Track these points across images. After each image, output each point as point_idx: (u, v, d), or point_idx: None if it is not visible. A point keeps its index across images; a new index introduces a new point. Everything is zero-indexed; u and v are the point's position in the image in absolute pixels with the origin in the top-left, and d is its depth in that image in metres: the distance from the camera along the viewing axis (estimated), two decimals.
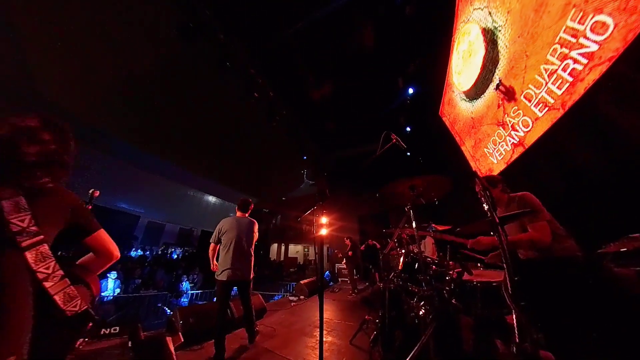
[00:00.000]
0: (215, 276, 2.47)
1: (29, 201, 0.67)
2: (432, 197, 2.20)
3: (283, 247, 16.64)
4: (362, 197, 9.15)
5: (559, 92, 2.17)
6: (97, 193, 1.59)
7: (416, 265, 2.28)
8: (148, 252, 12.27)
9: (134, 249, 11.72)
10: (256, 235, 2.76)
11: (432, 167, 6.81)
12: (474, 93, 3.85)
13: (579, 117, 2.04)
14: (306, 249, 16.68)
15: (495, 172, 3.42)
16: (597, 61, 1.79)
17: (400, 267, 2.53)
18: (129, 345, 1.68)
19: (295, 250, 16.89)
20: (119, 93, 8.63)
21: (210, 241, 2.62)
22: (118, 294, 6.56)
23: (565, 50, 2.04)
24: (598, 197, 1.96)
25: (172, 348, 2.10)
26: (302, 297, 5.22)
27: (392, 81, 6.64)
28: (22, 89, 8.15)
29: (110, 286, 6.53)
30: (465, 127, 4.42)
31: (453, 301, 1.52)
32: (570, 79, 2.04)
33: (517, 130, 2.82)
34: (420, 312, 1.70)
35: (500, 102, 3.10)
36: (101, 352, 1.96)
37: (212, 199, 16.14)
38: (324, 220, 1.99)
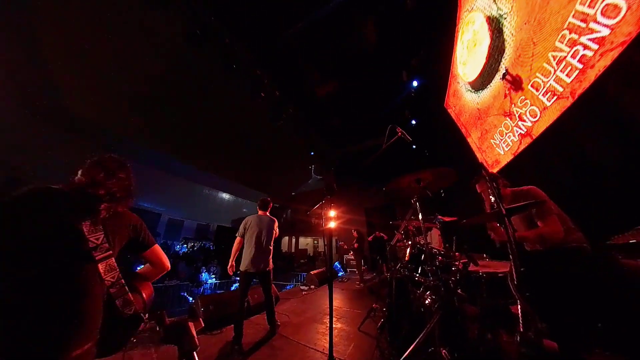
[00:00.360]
0: (239, 267, 2.62)
1: (103, 222, 0.83)
2: (438, 188, 2.16)
3: (294, 240, 16.89)
4: (369, 191, 9.10)
5: (568, 80, 2.04)
6: None
7: (422, 256, 2.27)
8: (171, 245, 12.80)
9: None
10: (276, 232, 2.90)
11: (438, 159, 6.63)
12: (479, 83, 3.68)
13: (589, 105, 1.92)
14: (316, 241, 16.85)
15: (502, 163, 3.29)
16: (609, 46, 1.67)
17: (407, 258, 2.53)
18: (157, 329, 1.80)
19: (305, 242, 17.11)
20: (137, 103, 8.98)
21: (237, 235, 2.76)
22: None
23: (575, 36, 1.90)
24: (607, 188, 1.85)
25: (194, 332, 2.22)
26: (312, 286, 5.33)
27: (396, 75, 6.45)
28: (49, 103, 8.57)
29: None
30: (471, 119, 4.25)
31: (459, 291, 1.52)
32: (580, 66, 1.91)
33: (524, 121, 2.68)
34: (426, 302, 1.70)
35: (507, 92, 2.95)
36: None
37: (225, 196, 16.62)
38: (332, 213, 2.01)
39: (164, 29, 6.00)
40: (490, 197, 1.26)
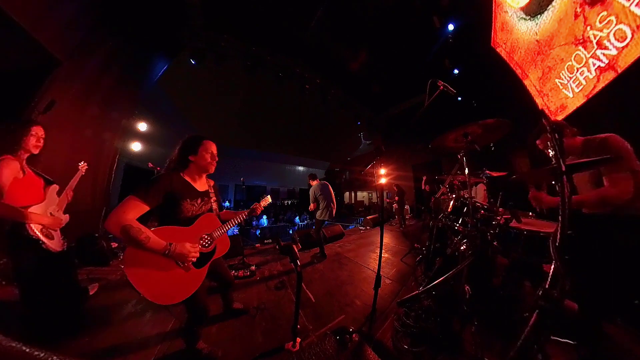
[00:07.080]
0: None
1: None
2: (488, 142, 1.62)
3: (353, 194, 17.48)
4: (415, 148, 7.71)
5: None
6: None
7: (465, 209, 1.93)
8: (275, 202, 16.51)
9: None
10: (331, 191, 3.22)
11: (488, 110, 4.50)
12: (536, 5, 2.04)
13: None
14: (370, 194, 16.82)
15: (570, 109, 1.92)
16: None
17: (449, 210, 2.22)
18: (276, 247, 2.56)
19: (362, 195, 17.37)
20: (237, 120, 11.24)
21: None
22: (269, 224, 9.96)
23: None
24: None
25: (296, 250, 3.02)
26: (367, 227, 5.63)
27: (425, 23, 4.37)
28: (184, 127, 11.96)
29: (264, 221, 10.29)
30: (528, 55, 2.48)
31: (494, 243, 1.27)
32: None
33: (606, 48, 1.40)
34: (462, 248, 1.53)
35: (579, 10, 1.53)
36: (265, 250, 3.11)
37: (301, 168, 19.25)
38: (382, 171, 1.94)
39: (238, 73, 6.51)
40: (550, 150, 0.88)
